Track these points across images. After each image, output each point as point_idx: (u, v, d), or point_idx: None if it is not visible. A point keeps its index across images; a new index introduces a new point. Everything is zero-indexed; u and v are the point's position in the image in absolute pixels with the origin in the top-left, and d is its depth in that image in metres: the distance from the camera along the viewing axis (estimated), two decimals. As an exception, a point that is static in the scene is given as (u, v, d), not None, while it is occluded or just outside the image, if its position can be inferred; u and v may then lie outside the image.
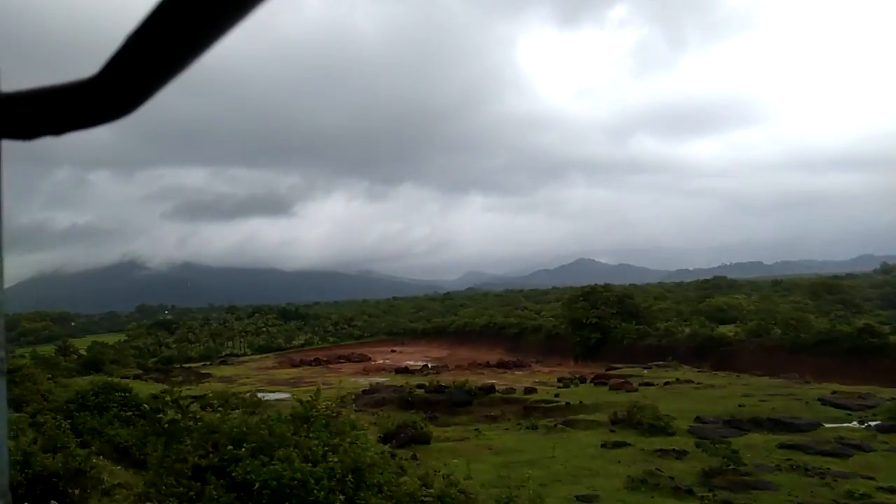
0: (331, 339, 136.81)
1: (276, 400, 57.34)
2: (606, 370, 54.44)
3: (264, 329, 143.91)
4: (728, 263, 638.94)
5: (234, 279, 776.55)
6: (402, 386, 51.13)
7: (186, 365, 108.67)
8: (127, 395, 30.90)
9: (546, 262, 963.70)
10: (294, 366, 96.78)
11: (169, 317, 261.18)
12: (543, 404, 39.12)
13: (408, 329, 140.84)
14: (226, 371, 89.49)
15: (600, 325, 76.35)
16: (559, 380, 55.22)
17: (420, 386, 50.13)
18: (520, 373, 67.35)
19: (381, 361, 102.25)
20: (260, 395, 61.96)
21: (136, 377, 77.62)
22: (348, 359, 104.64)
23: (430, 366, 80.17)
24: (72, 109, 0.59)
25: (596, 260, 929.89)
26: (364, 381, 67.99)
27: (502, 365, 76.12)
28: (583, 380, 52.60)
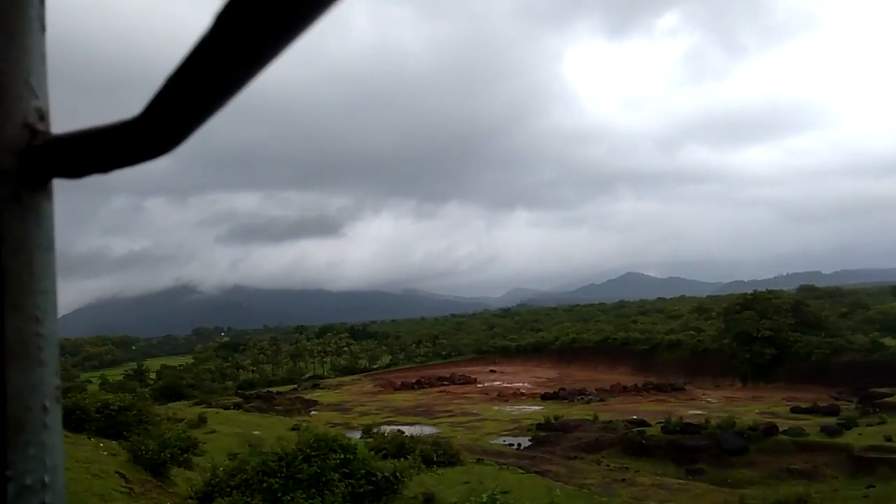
0: (417, 360, 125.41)
1: (429, 435, 46.13)
2: (862, 394, 41.63)
3: (345, 349, 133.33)
4: (784, 274, 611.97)
5: (281, 301, 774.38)
6: (608, 422, 39.25)
7: (271, 389, 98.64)
8: (350, 457, 19.74)
9: (593, 277, 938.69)
10: (397, 389, 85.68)
11: (226, 339, 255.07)
12: (887, 454, 26.71)
13: (497, 347, 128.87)
14: (329, 397, 78.61)
15: (775, 339, 63.38)
16: (795, 410, 42.67)
17: (635, 422, 38.17)
18: (712, 399, 54.74)
19: (488, 383, 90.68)
20: (390, 427, 50.82)
21: (237, 406, 67.35)
22: (451, 380, 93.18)
23: (566, 389, 68.07)
24: (117, 148, 0.61)
25: (644, 273, 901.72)
26: (512, 411, 56.30)
27: (658, 388, 63.82)
28: (832, 410, 40.02)
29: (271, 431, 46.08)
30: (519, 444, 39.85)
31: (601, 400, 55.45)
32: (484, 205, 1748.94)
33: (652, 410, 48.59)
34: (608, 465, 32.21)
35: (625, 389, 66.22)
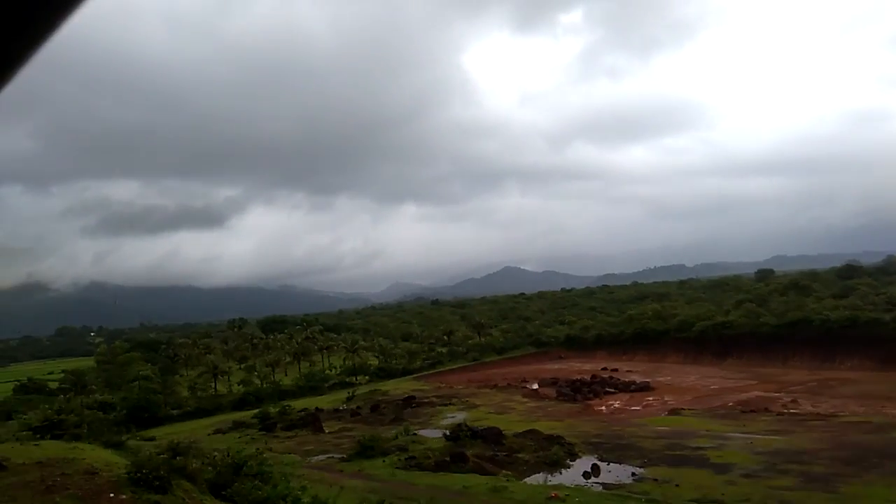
0: (473, 357, 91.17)
1: None
2: None
3: (374, 346, 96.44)
4: (651, 267, 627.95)
5: (146, 298, 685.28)
6: None
7: (286, 406, 62.86)
8: None
9: (473, 272, 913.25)
10: (575, 401, 53.10)
11: (99, 339, 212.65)
12: None
13: (556, 338, 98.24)
14: (491, 419, 44.26)
15: None
16: None
17: None
18: None
19: (667, 396, 60.90)
20: None
21: (441, 466, 31.74)
22: (616, 386, 61.80)
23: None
24: None
25: (522, 268, 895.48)
26: None
27: None
28: None
29: None
30: None
31: None
32: (374, 198, 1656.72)
33: None
34: None
35: None
